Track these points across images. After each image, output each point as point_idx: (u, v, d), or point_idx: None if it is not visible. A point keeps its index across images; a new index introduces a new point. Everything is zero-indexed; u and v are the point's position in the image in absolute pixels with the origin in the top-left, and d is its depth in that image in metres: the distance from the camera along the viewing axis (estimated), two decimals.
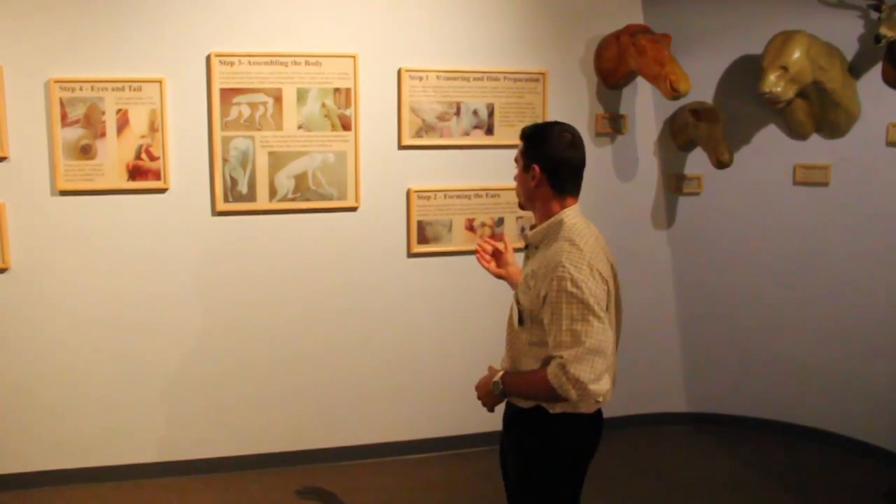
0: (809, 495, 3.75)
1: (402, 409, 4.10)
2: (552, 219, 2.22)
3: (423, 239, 3.96)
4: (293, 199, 3.76)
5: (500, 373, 2.31)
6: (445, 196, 3.95)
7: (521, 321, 2.26)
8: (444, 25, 3.86)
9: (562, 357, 2.06)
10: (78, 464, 3.74)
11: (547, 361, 2.14)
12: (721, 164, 3.89)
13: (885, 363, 4.03)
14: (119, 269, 3.65)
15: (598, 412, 2.31)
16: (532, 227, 2.31)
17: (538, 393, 2.18)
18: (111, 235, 3.63)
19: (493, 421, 4.18)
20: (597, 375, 2.04)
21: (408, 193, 3.92)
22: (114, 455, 3.78)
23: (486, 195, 4.00)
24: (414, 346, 4.06)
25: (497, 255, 2.71)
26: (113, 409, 3.75)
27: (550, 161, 2.20)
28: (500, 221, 4.05)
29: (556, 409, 2.21)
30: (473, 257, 3.97)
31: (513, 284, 2.59)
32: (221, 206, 3.69)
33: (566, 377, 2.05)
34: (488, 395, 2.33)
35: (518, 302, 2.28)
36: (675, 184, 4.37)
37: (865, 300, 4.07)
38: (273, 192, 3.73)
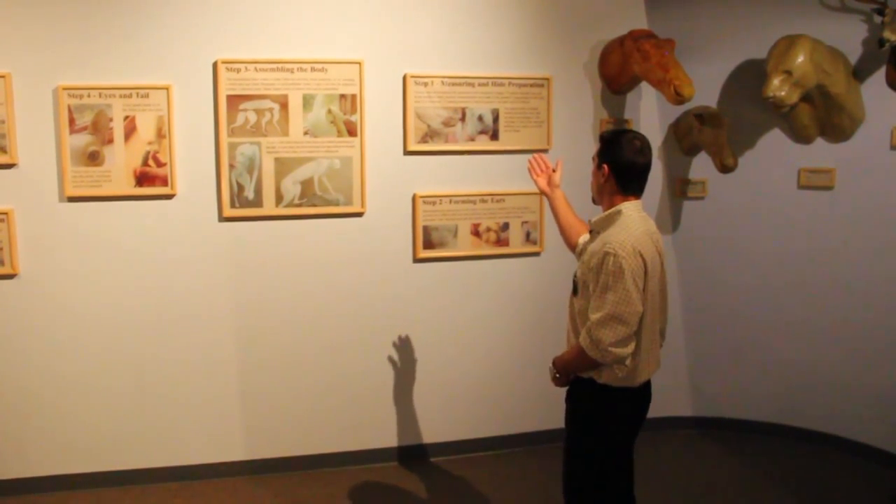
0: (815, 499, 3.74)
1: (408, 413, 4.11)
2: (613, 209, 2.54)
3: (428, 244, 3.97)
4: (299, 205, 3.78)
5: (553, 358, 2.63)
6: (451, 201, 3.96)
7: (575, 291, 2.59)
8: (449, 32, 3.88)
9: (590, 320, 2.39)
10: (85, 468, 3.76)
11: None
12: (725, 169, 3.89)
13: (891, 366, 4.02)
14: (126, 274, 3.67)
15: (645, 387, 2.60)
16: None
17: (578, 361, 2.50)
18: (119, 241, 3.65)
19: (497, 426, 4.21)
20: (617, 339, 2.36)
21: (413, 199, 3.93)
22: (120, 460, 3.80)
23: (492, 200, 4.02)
24: (419, 350, 4.07)
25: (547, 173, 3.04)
26: (119, 413, 3.76)
27: (618, 163, 2.52)
28: (506, 226, 4.06)
29: (602, 379, 2.49)
30: (479, 262, 4.05)
31: (552, 202, 2.99)
32: (228, 211, 3.71)
33: (590, 338, 2.39)
34: (553, 381, 2.66)
35: (576, 275, 2.60)
36: (679, 188, 4.37)
37: (871, 303, 4.07)
38: (279, 198, 3.75)
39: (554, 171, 3.04)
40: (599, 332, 2.36)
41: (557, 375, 2.63)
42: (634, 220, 2.50)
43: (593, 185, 2.63)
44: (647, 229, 2.52)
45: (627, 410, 2.57)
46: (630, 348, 2.41)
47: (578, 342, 2.45)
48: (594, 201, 2.67)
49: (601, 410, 2.54)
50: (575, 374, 2.59)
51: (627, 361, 2.43)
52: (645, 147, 2.54)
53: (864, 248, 4.06)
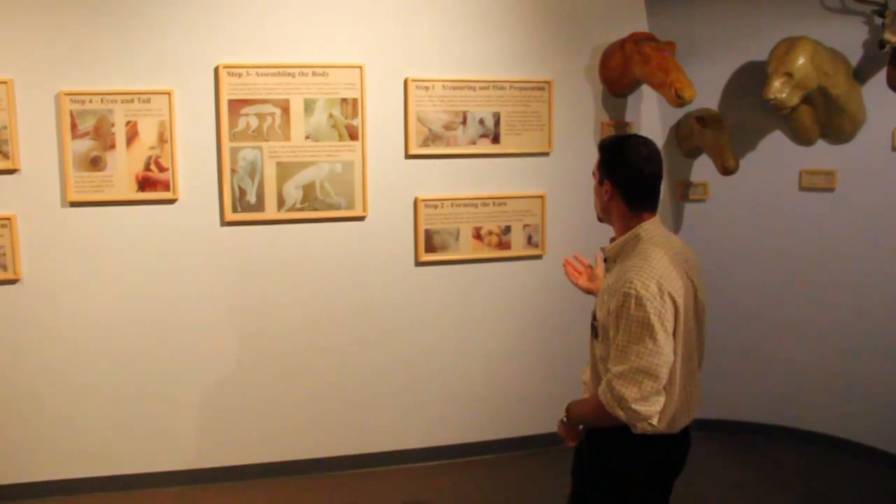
0: (817, 501, 3.73)
1: (410, 417, 4.10)
2: (629, 233, 2.16)
3: (430, 248, 3.98)
4: (301, 209, 3.78)
5: (567, 404, 2.30)
6: (452, 205, 3.97)
7: (595, 334, 2.24)
8: (450, 35, 3.88)
9: (610, 373, 2.05)
10: (87, 473, 3.76)
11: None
12: (727, 171, 3.88)
13: (893, 368, 4.02)
14: (129, 279, 3.68)
15: (684, 432, 2.25)
16: (612, 240, 2.25)
17: (597, 416, 2.14)
18: (121, 246, 3.65)
19: (499, 429, 4.21)
20: (643, 395, 2.01)
21: (415, 202, 3.94)
22: (122, 464, 3.80)
23: (493, 203, 4.02)
24: (422, 354, 4.07)
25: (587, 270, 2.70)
26: (121, 418, 3.77)
27: (624, 176, 2.14)
28: (507, 230, 4.06)
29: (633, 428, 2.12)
30: (481, 265, 4.05)
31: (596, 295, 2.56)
32: (230, 216, 3.71)
33: (611, 394, 2.03)
34: (560, 428, 2.31)
35: (594, 315, 2.25)
36: (681, 191, 4.37)
37: (873, 305, 4.06)
38: (281, 203, 3.76)
39: (593, 268, 2.69)
40: (622, 388, 2.00)
41: (564, 421, 2.28)
42: (656, 244, 2.12)
43: (597, 203, 2.27)
44: (674, 252, 2.15)
45: (659, 459, 2.19)
46: (658, 405, 2.04)
47: (597, 395, 2.09)
48: (600, 220, 2.31)
49: (628, 461, 2.17)
50: (590, 427, 2.25)
51: (654, 420, 2.05)
52: (653, 154, 2.13)
53: (866, 249, 4.06)
